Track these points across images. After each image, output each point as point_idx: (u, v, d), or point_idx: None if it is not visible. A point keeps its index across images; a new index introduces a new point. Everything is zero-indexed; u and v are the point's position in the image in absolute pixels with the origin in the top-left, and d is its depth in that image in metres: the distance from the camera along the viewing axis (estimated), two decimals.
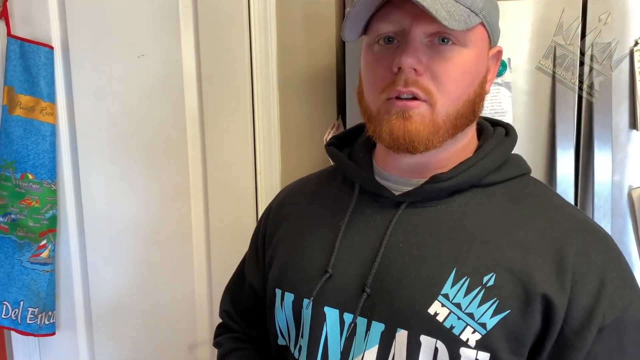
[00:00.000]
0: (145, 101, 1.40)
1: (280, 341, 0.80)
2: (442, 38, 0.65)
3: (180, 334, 1.45)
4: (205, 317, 1.44)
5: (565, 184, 1.07)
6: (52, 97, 1.43)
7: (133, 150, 1.43)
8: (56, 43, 1.43)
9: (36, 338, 1.53)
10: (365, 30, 0.71)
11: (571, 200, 1.07)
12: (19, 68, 1.41)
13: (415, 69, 0.65)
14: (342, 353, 0.71)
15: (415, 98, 0.66)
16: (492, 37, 0.71)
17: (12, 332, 1.53)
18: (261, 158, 1.39)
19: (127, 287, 1.47)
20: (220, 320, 0.96)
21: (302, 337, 0.74)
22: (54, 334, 1.48)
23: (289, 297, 0.76)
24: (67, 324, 1.52)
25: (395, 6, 0.66)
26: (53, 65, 1.42)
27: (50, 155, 1.43)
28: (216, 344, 0.93)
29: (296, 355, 0.76)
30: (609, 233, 1.04)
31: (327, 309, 0.72)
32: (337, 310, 0.71)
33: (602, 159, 1.06)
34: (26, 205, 1.42)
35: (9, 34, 1.41)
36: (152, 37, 1.37)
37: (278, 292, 0.78)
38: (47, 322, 1.46)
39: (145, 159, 1.42)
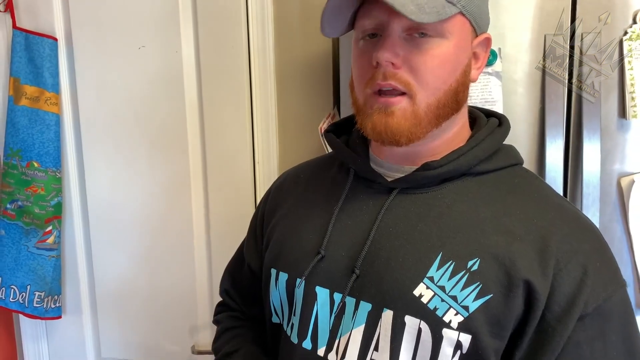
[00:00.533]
0: (146, 92, 1.40)
1: (275, 319, 0.81)
2: (420, 32, 0.65)
3: (181, 318, 1.46)
4: (205, 301, 1.45)
5: (554, 172, 1.06)
6: (56, 88, 1.43)
7: (135, 140, 1.43)
8: (60, 35, 1.43)
9: (43, 321, 1.54)
10: (353, 25, 0.71)
11: (560, 189, 1.06)
12: (24, 59, 1.41)
13: (393, 63, 0.65)
14: (330, 331, 0.71)
15: (395, 91, 0.66)
16: (476, 25, 0.70)
17: (21, 316, 1.54)
18: (259, 147, 1.39)
19: (130, 273, 1.48)
20: (220, 299, 0.98)
21: (294, 315, 0.75)
22: (60, 317, 1.49)
23: (283, 276, 0.77)
24: (72, 308, 1.53)
25: (374, 2, 0.66)
26: (57, 56, 1.42)
27: (55, 144, 1.43)
28: (215, 322, 0.96)
29: (288, 332, 0.76)
30: (598, 221, 1.04)
31: (318, 289, 0.73)
32: (328, 290, 0.72)
33: (591, 148, 1.05)
34: (32, 192, 1.42)
35: (14, 26, 1.41)
36: (153, 28, 1.36)
37: (273, 271, 0.79)
38: (53, 306, 1.47)
39: (146, 148, 1.42)
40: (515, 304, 0.64)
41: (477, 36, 0.71)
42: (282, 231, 0.82)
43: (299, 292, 0.74)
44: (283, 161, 1.40)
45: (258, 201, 1.39)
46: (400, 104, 0.66)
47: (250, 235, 0.93)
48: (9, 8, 1.41)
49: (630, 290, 1.04)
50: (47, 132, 1.42)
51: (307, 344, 0.73)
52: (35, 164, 1.42)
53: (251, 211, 1.39)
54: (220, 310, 0.97)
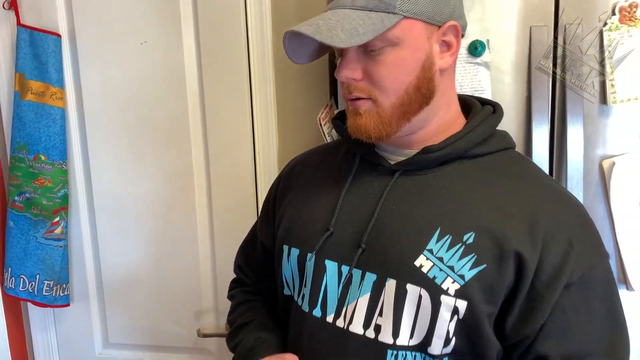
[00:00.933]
0: (148, 86, 1.44)
1: (286, 291, 0.87)
2: (369, 49, 0.72)
3: (186, 303, 1.50)
4: (209, 286, 1.49)
5: (541, 156, 1.12)
6: (61, 83, 1.46)
7: (138, 133, 1.46)
8: (63, 31, 1.46)
9: (52, 310, 1.58)
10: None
11: (546, 171, 1.11)
12: (29, 55, 1.44)
13: (354, 78, 0.73)
14: (339, 300, 0.77)
15: (362, 98, 0.74)
16: (431, 20, 0.73)
17: (29, 305, 1.57)
18: (259, 138, 1.43)
19: (136, 261, 1.52)
20: (234, 277, 1.05)
21: (305, 286, 0.81)
22: (68, 305, 1.53)
23: (295, 252, 0.83)
24: (80, 296, 1.56)
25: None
26: (61, 52, 1.45)
27: (61, 138, 1.46)
28: (230, 297, 1.03)
29: (299, 302, 0.82)
30: (582, 201, 1.10)
31: (327, 262, 0.78)
32: (336, 263, 0.78)
33: (574, 133, 1.10)
34: (39, 184, 1.46)
35: (18, 23, 1.43)
36: (154, 24, 1.40)
37: (285, 247, 0.85)
38: (61, 294, 1.51)
39: (150, 140, 1.46)
40: (507, 273, 0.69)
41: (440, 27, 0.74)
42: (293, 211, 0.88)
43: (310, 265, 0.80)
44: (283, 151, 1.45)
45: (259, 190, 1.44)
46: (365, 105, 0.75)
47: (263, 216, 0.99)
48: (13, 6, 1.44)
49: (613, 265, 1.10)
50: (53, 125, 1.46)
51: (317, 312, 0.79)
52: (42, 157, 1.45)
53: (252, 199, 1.44)
54: (234, 286, 1.04)
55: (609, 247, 1.10)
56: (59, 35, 1.45)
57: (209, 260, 1.48)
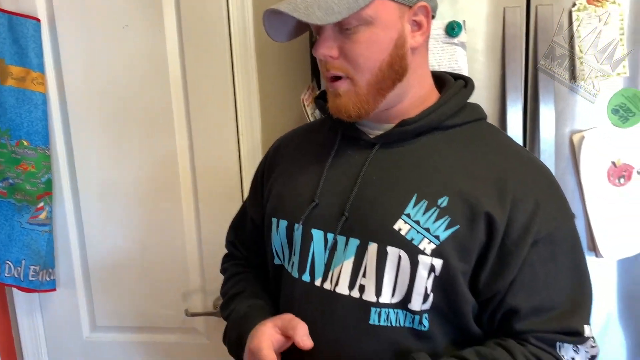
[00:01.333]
0: (131, 70, 1.49)
1: (277, 261, 0.95)
2: (344, 27, 0.79)
3: (173, 284, 1.57)
4: (196, 267, 1.56)
5: (515, 132, 1.21)
6: (41, 68, 1.50)
7: (122, 117, 1.52)
8: (42, 15, 1.49)
9: (37, 296, 1.63)
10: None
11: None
12: (9, 40, 1.48)
13: (331, 55, 0.80)
14: (325, 265, 0.86)
15: (339, 77, 0.81)
16: (403, 1, 0.80)
17: (14, 291, 1.62)
18: (242, 120, 1.50)
19: (122, 245, 1.58)
20: (224, 254, 1.14)
21: (294, 254, 0.89)
22: (54, 289, 1.59)
23: (283, 223, 0.91)
24: (66, 281, 1.62)
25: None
26: (41, 37, 1.49)
27: (43, 123, 1.51)
28: (222, 271, 1.11)
29: (289, 269, 0.91)
30: (554, 172, 1.20)
31: (314, 231, 0.87)
32: (322, 231, 0.86)
33: (546, 109, 1.19)
34: (23, 170, 1.51)
35: None
36: (135, 7, 1.45)
37: (274, 220, 0.93)
38: (47, 279, 1.56)
39: (133, 124, 1.51)
40: (479, 233, 0.78)
41: (411, 7, 0.81)
42: (281, 186, 0.96)
43: (298, 235, 0.88)
44: (266, 134, 1.52)
45: (243, 172, 1.51)
46: (344, 86, 0.82)
47: (252, 193, 1.08)
48: None
49: (583, 233, 1.21)
50: (35, 111, 1.50)
51: (306, 277, 0.87)
52: (25, 143, 1.50)
53: (237, 182, 1.51)
54: (226, 261, 1.14)
55: (579, 216, 1.20)
56: (38, 20, 1.48)
57: (195, 242, 1.55)
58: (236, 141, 1.50)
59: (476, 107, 0.91)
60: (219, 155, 1.50)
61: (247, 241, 1.09)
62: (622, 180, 1.20)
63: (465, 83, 0.91)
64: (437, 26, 1.19)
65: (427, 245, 0.78)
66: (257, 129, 1.51)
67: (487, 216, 0.78)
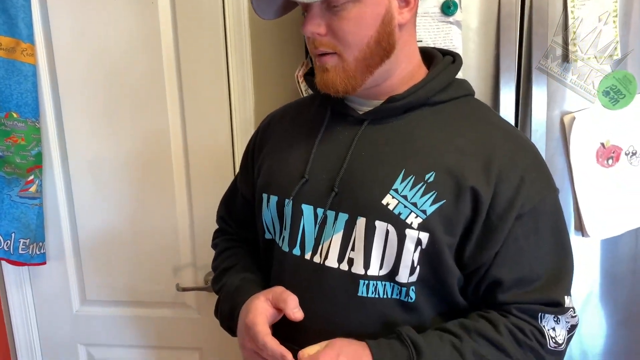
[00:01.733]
0: (122, 43, 1.51)
1: (267, 235, 1.00)
2: (332, 5, 0.81)
3: (164, 259, 1.62)
4: (187, 242, 1.61)
5: (507, 111, 1.25)
6: (31, 39, 1.52)
7: (113, 91, 1.54)
8: None
9: (27, 268, 1.68)
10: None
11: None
12: None
13: (318, 33, 0.83)
14: (315, 239, 0.90)
15: (327, 53, 0.84)
16: None
17: (3, 264, 1.67)
18: (235, 96, 1.53)
19: (113, 219, 1.62)
20: (217, 227, 1.19)
21: (285, 229, 0.94)
22: (44, 263, 1.63)
23: (274, 199, 0.95)
24: (56, 254, 1.66)
25: None
26: (30, 7, 1.51)
27: (33, 95, 1.54)
28: (214, 245, 1.16)
29: (280, 244, 0.95)
30: (543, 154, 1.25)
31: (304, 206, 0.91)
32: (312, 207, 0.90)
33: (539, 90, 1.24)
34: (12, 142, 1.54)
35: None
36: None
37: (265, 196, 0.97)
38: (38, 252, 1.60)
39: (125, 98, 1.54)
40: (464, 207, 0.83)
41: None
42: (271, 162, 1.00)
43: (288, 210, 0.92)
44: (259, 109, 1.55)
45: (236, 148, 1.55)
46: (332, 61, 0.85)
47: (242, 169, 1.12)
48: None
49: (570, 213, 1.26)
50: (25, 82, 1.53)
51: (296, 251, 0.92)
52: (14, 115, 1.53)
53: (229, 158, 1.55)
54: (217, 236, 1.18)
55: (567, 196, 1.26)
56: None
57: (187, 217, 1.60)
58: (229, 117, 1.54)
59: (464, 83, 0.95)
60: (212, 131, 1.54)
61: (237, 216, 1.13)
62: (610, 162, 1.25)
63: (453, 59, 0.94)
64: (433, 4, 1.23)
65: (414, 220, 0.83)
66: (250, 105, 1.54)
67: (472, 191, 0.83)
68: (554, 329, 0.86)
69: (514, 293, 0.85)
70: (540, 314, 0.85)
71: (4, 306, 1.72)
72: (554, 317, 0.86)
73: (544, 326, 0.85)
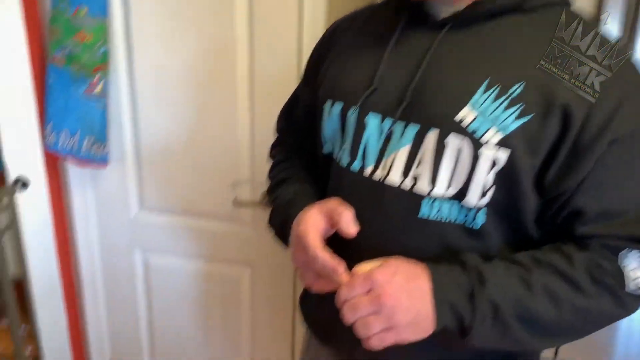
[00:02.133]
0: None
1: (327, 149, 0.96)
2: None
3: (223, 173, 1.63)
4: (246, 157, 1.61)
5: None
6: None
7: None
8: None
9: (88, 171, 1.74)
10: None
11: None
12: None
13: None
14: (379, 151, 0.85)
15: None
16: None
17: (68, 167, 1.73)
18: (306, 4, 1.47)
19: (174, 128, 1.63)
20: (275, 138, 1.19)
21: (345, 141, 0.89)
22: (107, 163, 1.68)
23: (338, 106, 0.90)
24: (117, 158, 1.70)
25: None
26: None
27: None
28: (272, 156, 1.15)
29: (339, 157, 0.91)
30: None
31: (370, 115, 0.86)
32: (380, 115, 0.85)
33: None
34: (80, 40, 1.55)
35: None
36: None
37: (328, 102, 0.92)
38: (101, 153, 1.65)
39: (194, 4, 1.51)
40: (552, 125, 0.75)
41: None
42: (338, 67, 0.95)
43: (352, 119, 0.88)
44: (330, 18, 1.49)
45: (302, 57, 1.50)
46: None
47: (305, 77, 1.08)
48: None
49: None
50: None
51: (356, 165, 0.88)
52: (83, 11, 1.54)
53: (295, 70, 1.51)
54: (275, 146, 1.17)
55: None
56: None
57: (248, 130, 1.58)
58: (298, 24, 1.48)
59: None
60: (279, 38, 1.49)
61: (297, 128, 1.10)
62: None
63: None
64: None
65: (493, 135, 0.77)
66: (322, 12, 1.47)
67: (563, 109, 0.75)
68: (636, 269, 0.79)
69: (595, 225, 0.78)
70: (623, 250, 0.78)
71: (67, 208, 1.80)
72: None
73: (625, 266, 0.78)
